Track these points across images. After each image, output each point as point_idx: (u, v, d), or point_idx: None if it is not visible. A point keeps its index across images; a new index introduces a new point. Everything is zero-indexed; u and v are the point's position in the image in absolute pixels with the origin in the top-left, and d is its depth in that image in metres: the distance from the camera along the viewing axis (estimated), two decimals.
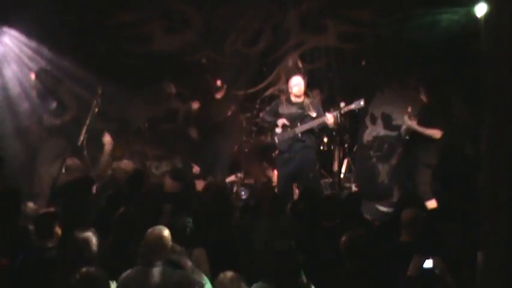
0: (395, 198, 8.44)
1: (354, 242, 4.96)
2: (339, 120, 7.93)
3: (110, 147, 7.67)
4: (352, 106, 8.02)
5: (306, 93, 8.42)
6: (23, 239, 5.52)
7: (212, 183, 7.40)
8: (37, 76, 9.25)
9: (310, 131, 8.29)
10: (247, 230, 5.95)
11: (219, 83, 9.78)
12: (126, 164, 7.36)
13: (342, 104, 8.17)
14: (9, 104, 9.33)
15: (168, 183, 7.43)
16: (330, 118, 8.03)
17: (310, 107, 8.25)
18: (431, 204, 7.92)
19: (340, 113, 7.89)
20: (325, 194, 6.29)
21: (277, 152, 8.50)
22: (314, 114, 8.20)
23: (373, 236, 5.59)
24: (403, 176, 8.62)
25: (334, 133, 9.60)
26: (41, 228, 5.26)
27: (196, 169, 7.77)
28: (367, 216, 7.20)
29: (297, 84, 8.26)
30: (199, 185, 7.44)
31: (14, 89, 9.35)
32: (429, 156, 8.30)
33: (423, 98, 8.36)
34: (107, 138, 7.57)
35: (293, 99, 8.30)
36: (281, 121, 8.31)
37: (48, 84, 9.19)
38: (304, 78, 8.39)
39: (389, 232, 5.72)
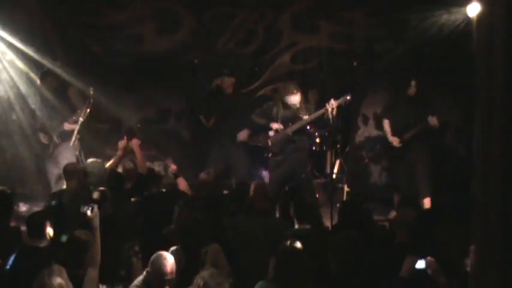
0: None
1: (344, 243, 4.95)
2: (330, 117, 7.95)
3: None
4: (339, 101, 8.06)
5: (302, 97, 8.46)
6: (15, 239, 5.50)
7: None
8: (42, 80, 9.10)
9: (302, 131, 8.32)
10: (242, 229, 5.94)
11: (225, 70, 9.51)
12: (97, 163, 7.17)
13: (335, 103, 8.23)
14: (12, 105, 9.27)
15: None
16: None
17: (304, 110, 8.28)
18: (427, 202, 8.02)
19: (327, 110, 7.92)
20: (299, 197, 6.31)
21: (270, 154, 8.51)
22: (306, 117, 8.22)
23: (366, 237, 5.57)
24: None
25: (326, 134, 9.61)
26: (32, 228, 5.23)
27: (172, 168, 7.69)
28: None
29: (295, 95, 8.26)
30: (181, 183, 7.40)
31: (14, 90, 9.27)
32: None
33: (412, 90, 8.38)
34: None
35: (289, 103, 8.32)
36: (275, 125, 8.36)
37: (56, 87, 9.09)
38: (299, 90, 8.38)
39: (384, 233, 5.72)
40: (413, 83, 8.37)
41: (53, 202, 6.32)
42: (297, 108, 8.31)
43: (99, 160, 7.36)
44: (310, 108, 8.49)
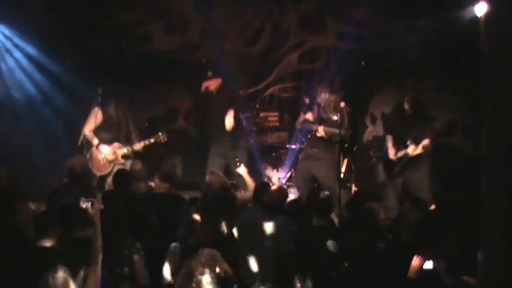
0: None
1: (355, 242, 4.96)
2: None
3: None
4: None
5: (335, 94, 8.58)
6: (22, 238, 5.51)
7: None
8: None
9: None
10: (249, 230, 5.93)
11: (209, 73, 9.35)
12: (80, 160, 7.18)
13: (342, 104, 8.21)
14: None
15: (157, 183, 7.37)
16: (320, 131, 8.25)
17: (332, 110, 8.30)
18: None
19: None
20: (317, 193, 6.29)
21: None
22: (335, 118, 8.19)
23: (374, 236, 5.57)
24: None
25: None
26: (39, 228, 5.23)
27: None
28: None
29: (323, 101, 8.38)
30: None
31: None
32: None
33: (407, 107, 8.07)
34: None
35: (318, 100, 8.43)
36: (308, 115, 8.47)
37: None
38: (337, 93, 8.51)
39: (390, 232, 5.71)
40: (407, 105, 8.00)
41: (60, 201, 6.32)
42: (325, 106, 8.36)
43: (81, 157, 7.42)
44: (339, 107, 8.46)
